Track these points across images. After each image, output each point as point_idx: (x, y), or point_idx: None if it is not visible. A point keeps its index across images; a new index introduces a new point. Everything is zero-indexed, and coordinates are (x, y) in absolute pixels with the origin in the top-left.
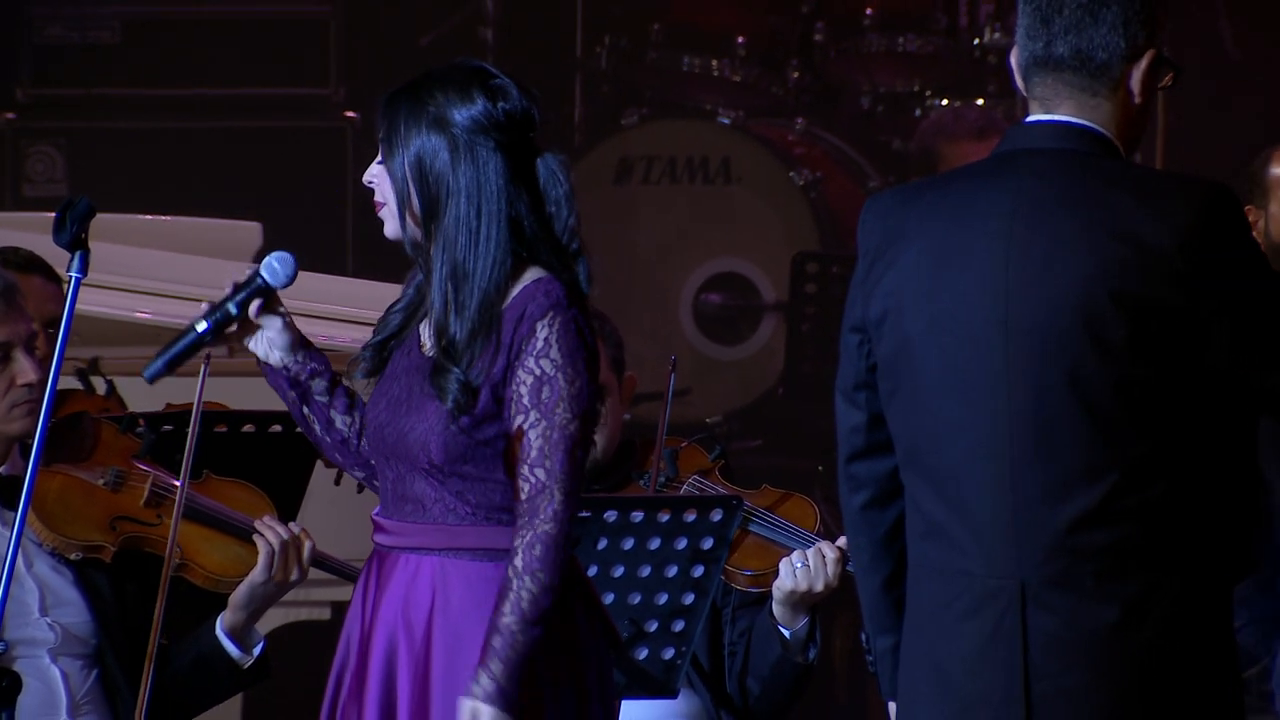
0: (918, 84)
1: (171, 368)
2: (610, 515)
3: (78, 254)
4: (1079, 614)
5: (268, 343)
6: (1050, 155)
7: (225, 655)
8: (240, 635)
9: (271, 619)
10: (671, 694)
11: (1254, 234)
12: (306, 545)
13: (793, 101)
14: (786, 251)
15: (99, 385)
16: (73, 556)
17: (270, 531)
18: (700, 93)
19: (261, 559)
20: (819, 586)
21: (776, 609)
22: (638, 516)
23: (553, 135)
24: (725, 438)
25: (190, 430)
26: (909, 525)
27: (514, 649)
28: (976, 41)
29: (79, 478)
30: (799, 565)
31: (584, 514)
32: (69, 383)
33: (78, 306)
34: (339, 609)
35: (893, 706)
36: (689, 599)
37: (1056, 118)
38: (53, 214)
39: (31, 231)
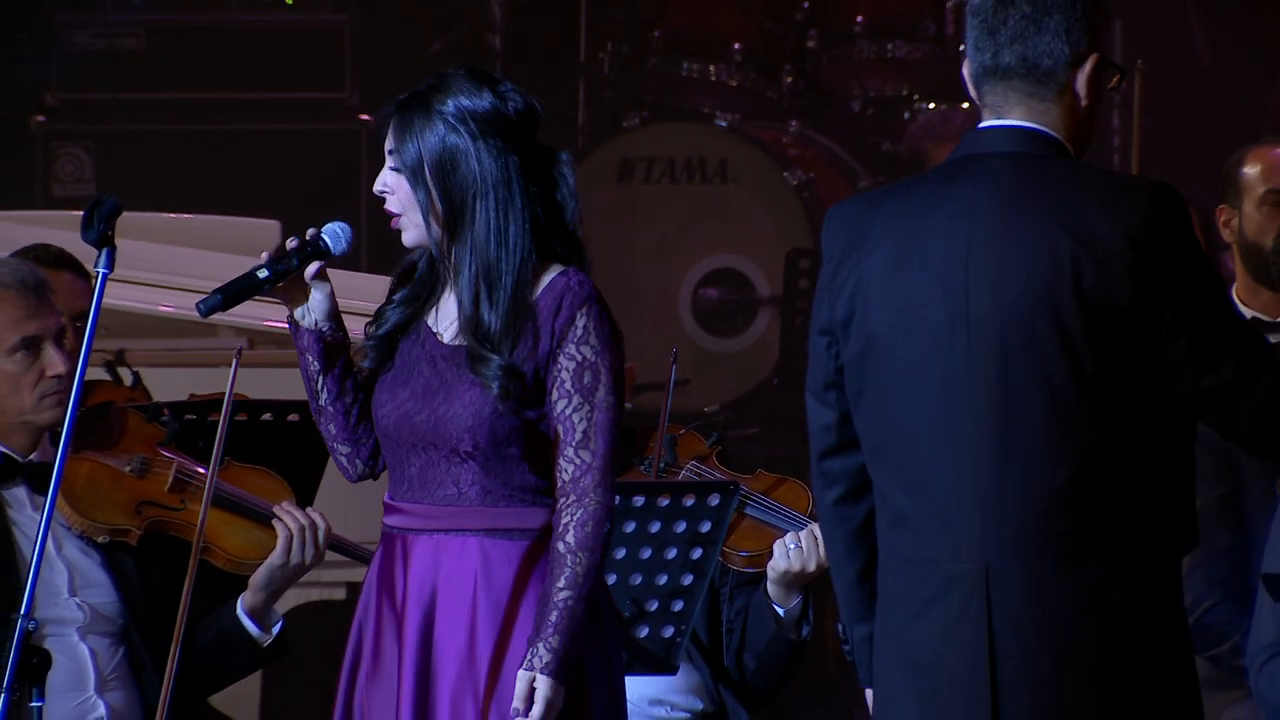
0: (906, 88)
1: (226, 305)
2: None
3: (105, 251)
4: (1041, 598)
5: (312, 306)
6: (1004, 158)
7: (246, 634)
8: (260, 615)
9: (289, 599)
10: (671, 670)
11: (1227, 232)
12: (323, 529)
13: (786, 105)
14: (781, 248)
15: (126, 376)
16: (100, 540)
17: (289, 516)
18: (698, 97)
19: (280, 542)
20: (811, 566)
21: (771, 588)
22: (639, 501)
23: (557, 137)
24: (722, 426)
25: (221, 421)
26: (878, 517)
27: (570, 622)
28: (962, 48)
29: (106, 464)
30: (792, 546)
31: None
32: (97, 374)
33: (105, 301)
34: (353, 589)
35: (869, 694)
36: (688, 580)
37: (1008, 122)
38: (81, 213)
39: (61, 229)
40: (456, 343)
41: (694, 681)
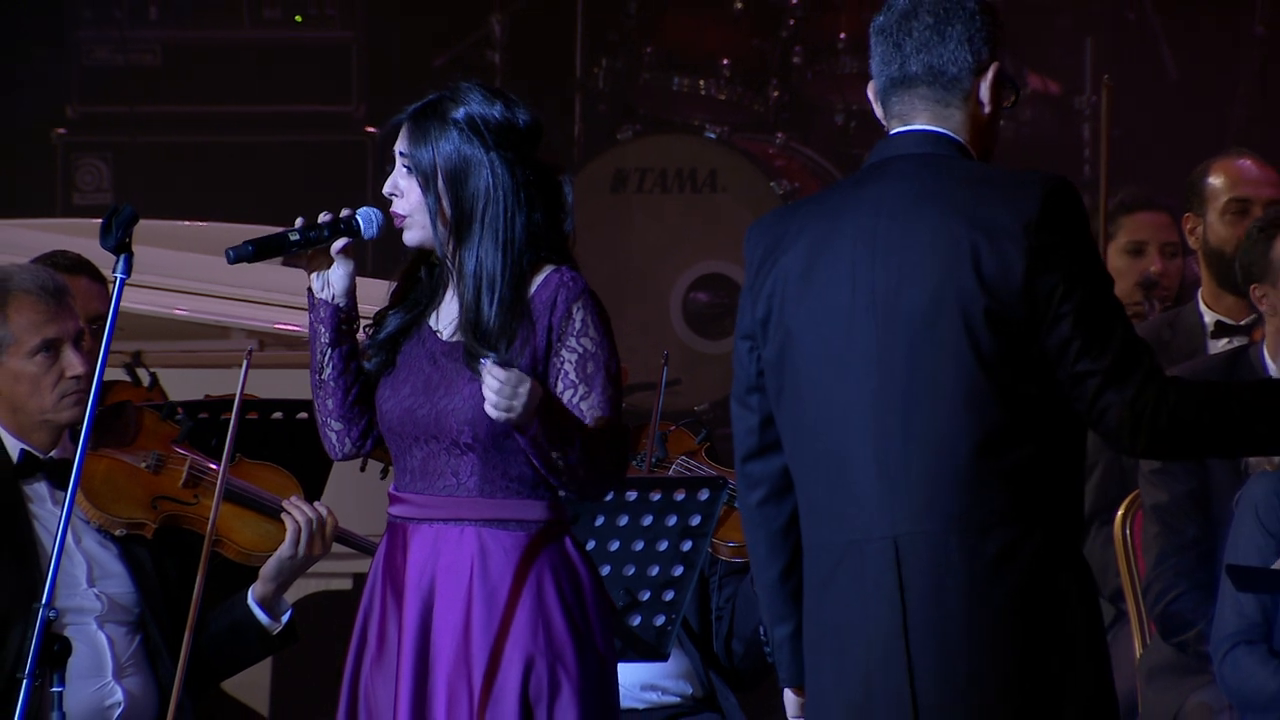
0: None
1: (254, 258)
2: (607, 494)
3: (122, 257)
4: (945, 570)
5: (332, 279)
6: (911, 159)
7: (256, 623)
8: (270, 604)
9: (298, 589)
10: (663, 657)
11: (1193, 239)
12: (329, 522)
13: (773, 118)
14: None
15: (143, 377)
16: (117, 533)
17: (297, 510)
18: (689, 110)
19: (289, 535)
20: None
21: None
22: (632, 495)
23: (555, 149)
24: (711, 423)
25: (232, 420)
26: (800, 511)
27: (575, 428)
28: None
29: (123, 461)
30: None
31: None
32: (115, 374)
33: (122, 304)
34: (359, 580)
35: (789, 694)
36: (678, 571)
37: (915, 127)
38: (100, 220)
39: (80, 236)
40: (456, 339)
41: (684, 667)
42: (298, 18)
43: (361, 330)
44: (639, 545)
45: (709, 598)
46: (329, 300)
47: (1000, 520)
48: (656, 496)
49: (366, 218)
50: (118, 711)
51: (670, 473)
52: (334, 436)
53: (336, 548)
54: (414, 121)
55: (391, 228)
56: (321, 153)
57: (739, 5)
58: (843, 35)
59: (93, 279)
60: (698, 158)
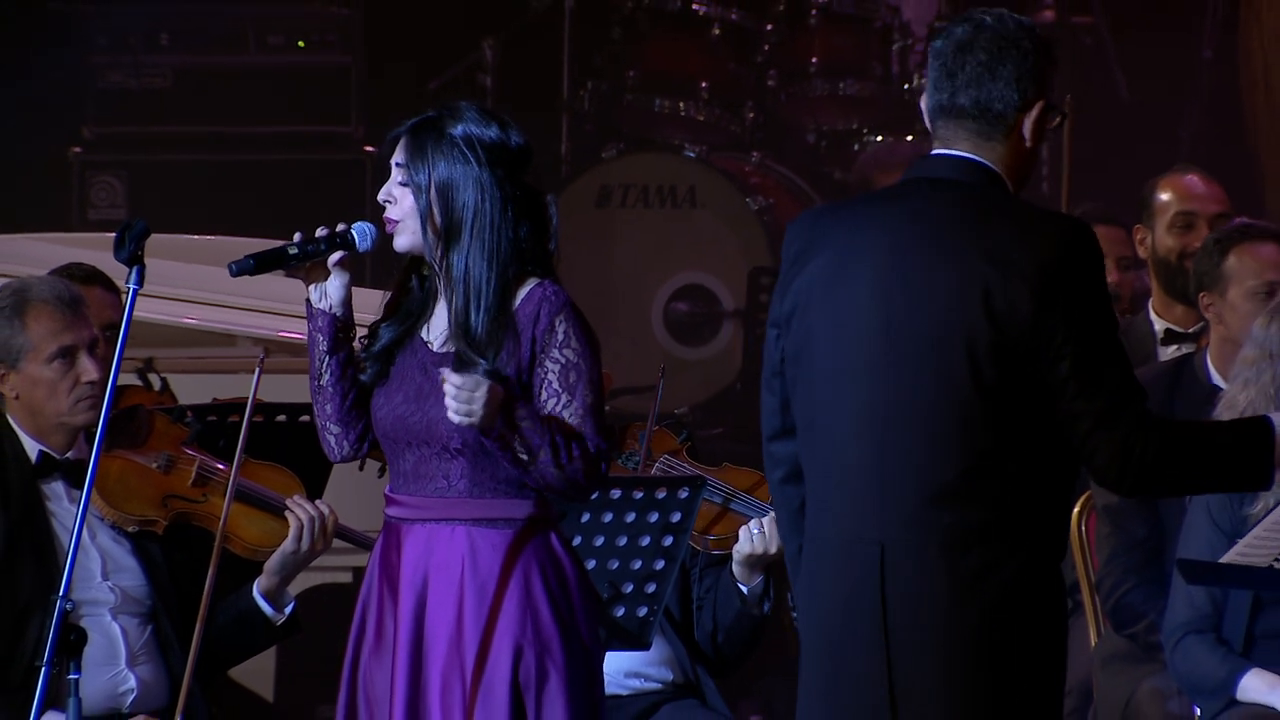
0: (856, 123)
1: (255, 271)
2: (587, 496)
3: (135, 269)
4: (926, 578)
5: (329, 290)
6: (944, 184)
7: (261, 614)
8: (274, 597)
9: (300, 582)
10: (646, 646)
11: (1143, 250)
12: (330, 519)
13: (749, 138)
14: (744, 266)
15: (154, 382)
16: (130, 529)
17: (300, 508)
18: (669, 130)
19: (292, 531)
20: (772, 550)
21: (736, 569)
22: (616, 493)
23: (543, 167)
24: (691, 425)
25: (243, 424)
26: (806, 498)
27: (536, 432)
28: (906, 86)
29: (135, 461)
30: (755, 532)
31: None
32: (128, 379)
33: (135, 313)
34: (358, 573)
35: None
36: (660, 564)
37: (955, 152)
38: (113, 234)
39: (95, 249)
40: (445, 349)
41: (666, 655)
42: (300, 43)
43: (358, 340)
44: (623, 540)
45: (690, 589)
46: (326, 310)
47: (983, 538)
48: (640, 494)
49: (361, 232)
50: (131, 698)
51: (653, 472)
52: (333, 440)
53: (336, 543)
54: (412, 134)
55: (386, 242)
56: (322, 170)
57: (717, 31)
58: (814, 60)
59: (107, 289)
60: (678, 175)
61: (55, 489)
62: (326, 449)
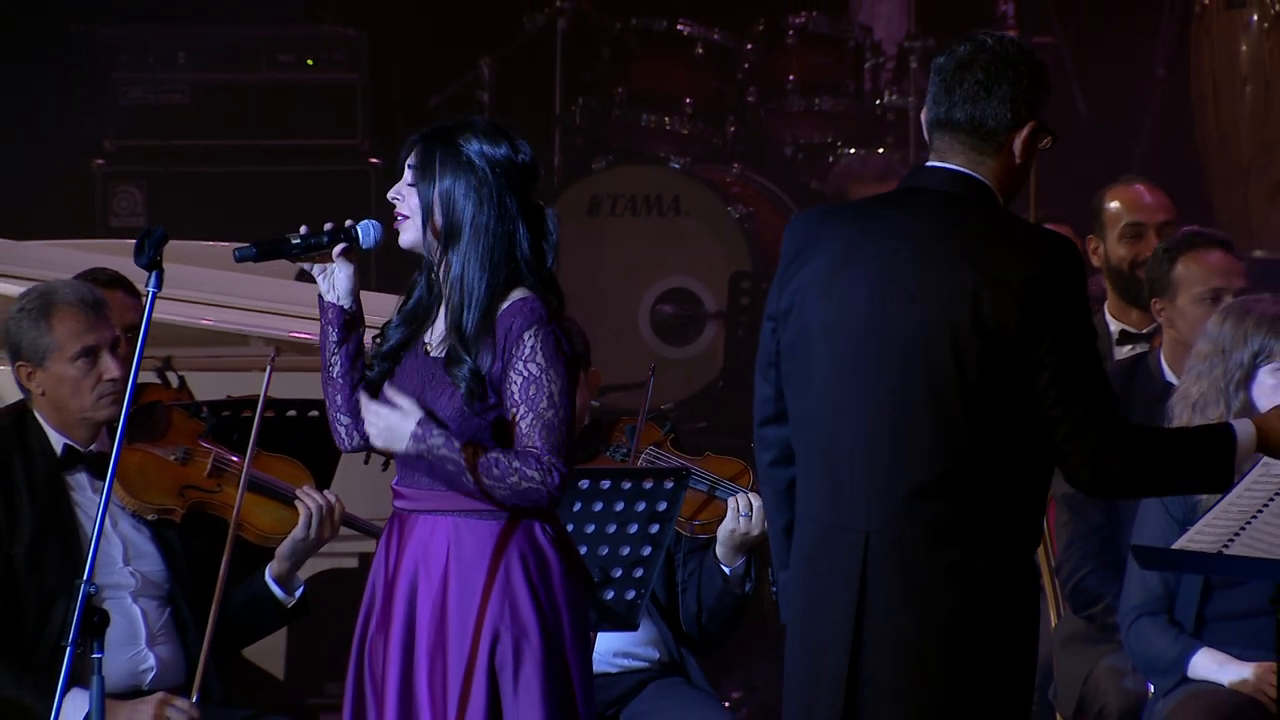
0: (830, 136)
1: (258, 259)
2: (583, 483)
3: (154, 273)
4: (907, 568)
5: (335, 282)
6: (938, 195)
7: (272, 597)
8: (285, 581)
9: (310, 567)
10: (633, 627)
11: (1095, 258)
12: (338, 508)
13: (730, 150)
14: (725, 271)
15: (172, 379)
16: (150, 517)
17: (309, 498)
18: (656, 143)
19: (301, 519)
20: (755, 531)
21: (720, 550)
22: (606, 484)
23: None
24: (676, 419)
25: (256, 419)
26: (797, 483)
27: (463, 466)
28: (878, 102)
29: (154, 454)
30: (744, 514)
31: None
32: (148, 377)
33: (153, 315)
34: (364, 559)
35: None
36: (646, 550)
37: (949, 165)
38: (134, 241)
39: (117, 255)
40: (439, 354)
41: (653, 636)
42: (309, 62)
43: (370, 340)
44: (612, 528)
45: (674, 573)
46: (335, 302)
47: (962, 532)
48: (627, 485)
49: (365, 229)
50: (150, 675)
51: (640, 463)
52: (343, 430)
53: (343, 530)
54: (425, 141)
55: (390, 241)
56: (330, 181)
57: (700, 51)
58: (791, 77)
59: (128, 293)
60: (663, 185)
61: (79, 480)
62: (337, 438)
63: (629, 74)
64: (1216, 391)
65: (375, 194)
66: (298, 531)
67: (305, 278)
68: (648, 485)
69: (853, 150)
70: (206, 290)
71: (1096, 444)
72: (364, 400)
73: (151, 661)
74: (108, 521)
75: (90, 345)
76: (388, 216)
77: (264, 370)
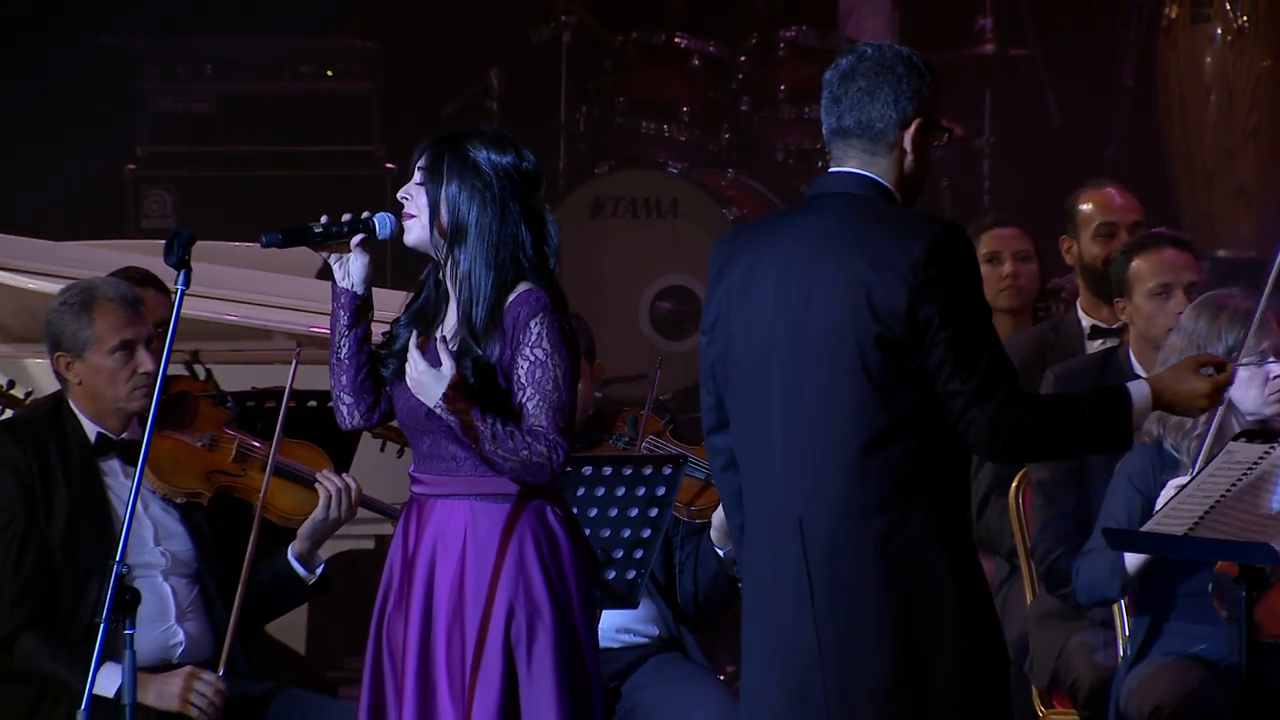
0: (820, 143)
1: (283, 244)
2: (587, 470)
3: (182, 272)
4: (838, 545)
5: (351, 269)
6: (838, 197)
7: (294, 575)
8: (306, 560)
9: (330, 548)
10: (634, 605)
11: (1069, 258)
12: (355, 491)
13: (725, 156)
14: None
15: (199, 372)
16: (179, 500)
17: (329, 481)
18: (655, 149)
19: (322, 502)
20: None
21: (714, 534)
22: (608, 470)
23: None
24: (674, 409)
25: (281, 407)
26: (742, 481)
27: (485, 431)
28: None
29: (183, 441)
30: None
31: (568, 469)
32: (176, 370)
33: (182, 311)
34: (381, 540)
35: None
36: (646, 533)
37: (846, 169)
38: (163, 241)
39: (148, 255)
40: (453, 347)
41: (652, 613)
42: (329, 73)
43: (380, 336)
44: (613, 512)
45: (673, 554)
46: (349, 288)
47: (884, 505)
48: (628, 471)
49: (381, 220)
50: (180, 650)
51: (641, 450)
52: (344, 409)
53: (361, 512)
54: (435, 146)
55: (406, 246)
56: (347, 185)
57: (696, 62)
58: (782, 87)
59: (159, 291)
60: (662, 189)
61: (112, 466)
62: (338, 417)
63: (630, 84)
64: None
65: (390, 197)
66: (318, 512)
67: (325, 275)
68: (647, 471)
69: None
70: (232, 288)
71: (995, 411)
72: (412, 348)
73: (181, 637)
74: (139, 504)
75: (128, 339)
76: (400, 216)
77: (286, 363)
